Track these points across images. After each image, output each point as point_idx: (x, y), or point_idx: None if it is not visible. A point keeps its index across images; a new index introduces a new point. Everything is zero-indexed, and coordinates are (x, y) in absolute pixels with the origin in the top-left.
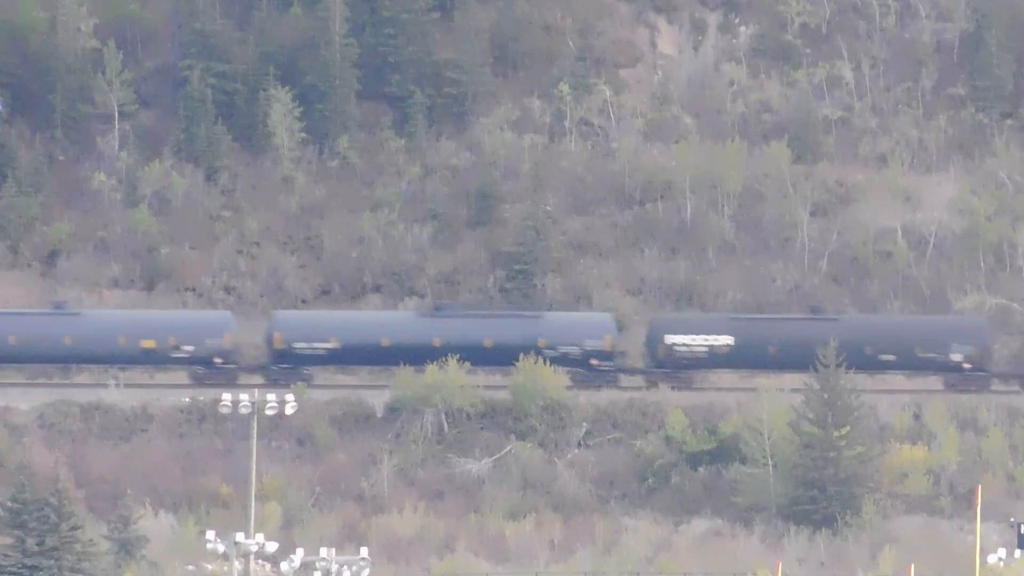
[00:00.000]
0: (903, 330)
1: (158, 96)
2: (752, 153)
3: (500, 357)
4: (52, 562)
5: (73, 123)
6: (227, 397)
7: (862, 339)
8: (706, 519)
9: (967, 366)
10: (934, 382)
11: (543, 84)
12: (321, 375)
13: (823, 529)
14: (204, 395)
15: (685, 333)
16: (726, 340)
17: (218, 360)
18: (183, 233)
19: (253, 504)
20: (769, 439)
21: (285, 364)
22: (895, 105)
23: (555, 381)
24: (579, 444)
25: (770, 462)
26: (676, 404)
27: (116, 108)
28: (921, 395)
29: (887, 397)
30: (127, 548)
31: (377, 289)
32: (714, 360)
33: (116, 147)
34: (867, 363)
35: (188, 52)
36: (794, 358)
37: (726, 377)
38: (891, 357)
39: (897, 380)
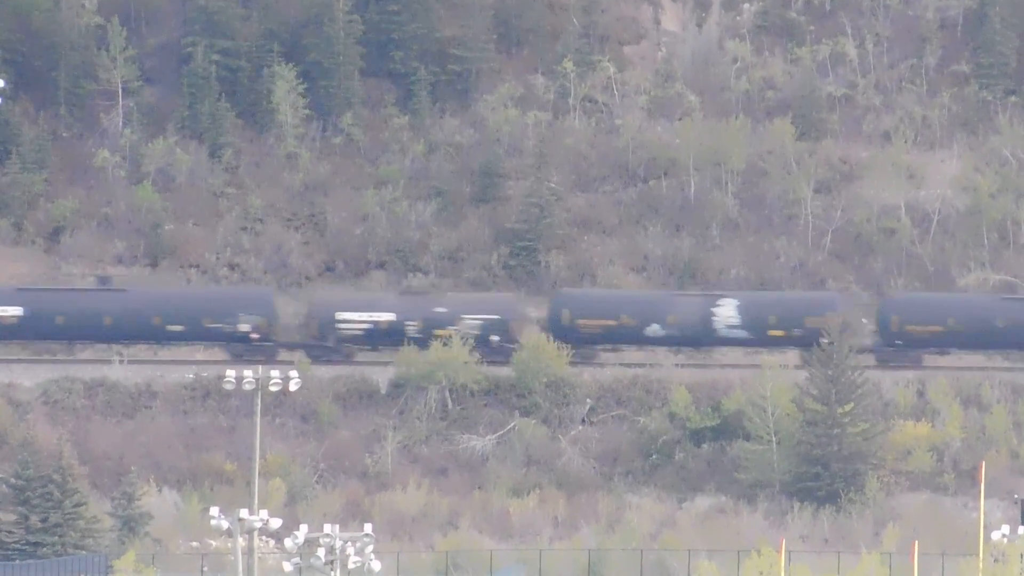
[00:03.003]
0: (190, 301)
1: (162, 73)
2: (756, 130)
3: None
4: (56, 539)
5: (77, 100)
6: (231, 374)
7: (151, 310)
8: (710, 496)
9: (255, 336)
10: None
11: (547, 61)
12: None
13: (827, 506)
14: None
15: None
16: (14, 312)
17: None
18: (187, 210)
19: (257, 481)
20: (773, 416)
21: None
22: (899, 82)
23: (559, 358)
24: (583, 421)
25: (774, 439)
26: (680, 381)
27: (120, 85)
28: (926, 372)
29: (891, 374)
30: (131, 525)
31: (381, 266)
32: (3, 332)
33: (120, 124)
34: (157, 334)
35: (192, 29)
36: (84, 329)
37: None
38: (180, 328)
39: None
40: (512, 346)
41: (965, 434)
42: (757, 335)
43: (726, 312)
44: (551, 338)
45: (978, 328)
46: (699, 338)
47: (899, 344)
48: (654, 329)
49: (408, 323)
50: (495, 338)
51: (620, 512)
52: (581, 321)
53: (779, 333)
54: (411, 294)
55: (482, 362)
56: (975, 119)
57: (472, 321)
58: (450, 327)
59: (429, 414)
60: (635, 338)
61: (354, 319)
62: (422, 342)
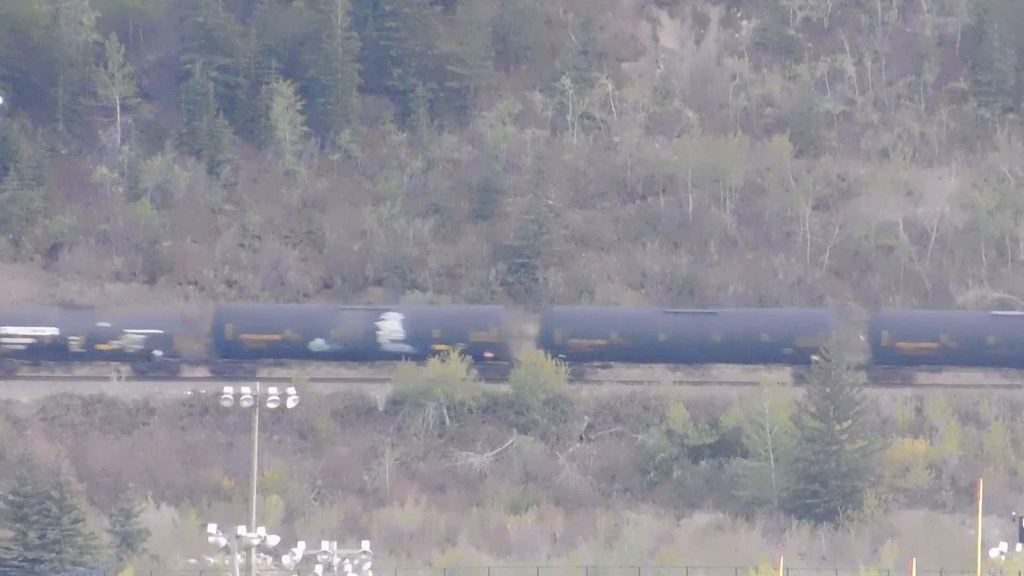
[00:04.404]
0: None
1: (160, 89)
2: (754, 147)
3: None
4: (53, 555)
5: (75, 116)
6: (229, 390)
7: None
8: (708, 513)
9: None
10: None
11: (545, 78)
12: None
13: (825, 523)
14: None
15: None
16: None
17: None
18: (185, 226)
19: (255, 497)
20: (771, 433)
21: None
22: (897, 99)
23: (557, 375)
24: (581, 437)
25: (772, 456)
26: (678, 398)
27: (118, 101)
28: (923, 389)
29: (889, 391)
30: (129, 541)
31: (379, 282)
32: None
33: (118, 140)
34: None
35: (190, 45)
36: None
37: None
38: None
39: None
40: (177, 360)
41: (963, 451)
42: (421, 349)
43: (390, 326)
44: (215, 353)
45: (642, 342)
46: (364, 352)
47: (562, 357)
48: (319, 344)
49: (71, 338)
50: (158, 352)
51: (618, 528)
52: (245, 336)
53: (443, 347)
54: (74, 309)
55: (144, 377)
56: (973, 136)
57: (135, 335)
58: (113, 341)
59: (427, 431)
60: (300, 353)
61: (16, 334)
62: (86, 357)
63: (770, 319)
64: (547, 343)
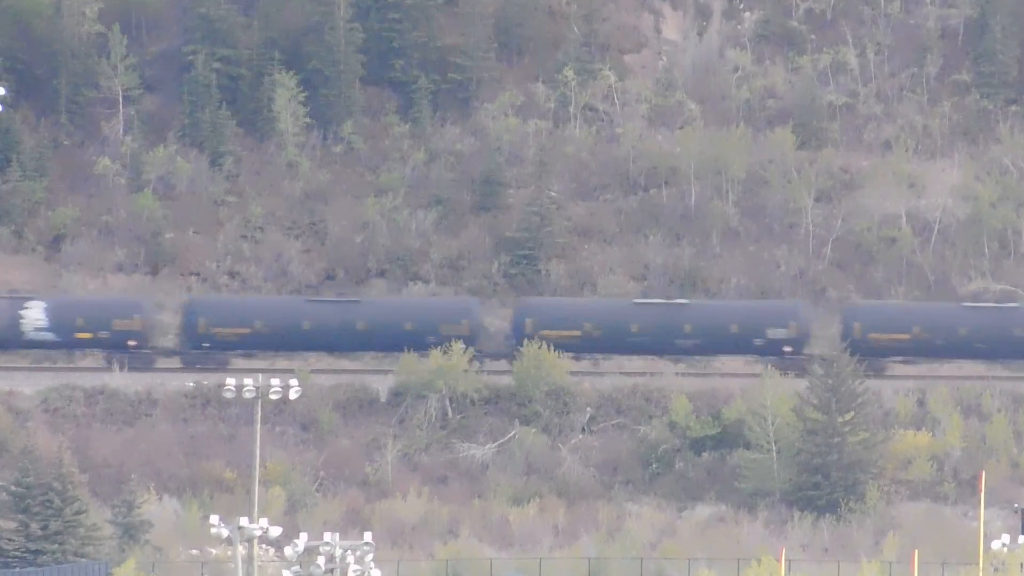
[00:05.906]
0: None
1: (162, 81)
2: (756, 139)
3: None
4: (56, 547)
5: (77, 108)
6: (231, 381)
7: None
8: (710, 505)
9: None
10: (936, 368)
11: (547, 70)
12: None
13: (827, 515)
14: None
15: None
16: None
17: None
18: (187, 218)
19: (257, 489)
20: (773, 425)
21: None
22: (900, 91)
23: (559, 366)
24: (583, 429)
25: (774, 448)
26: (680, 390)
27: (120, 93)
28: (925, 381)
29: (891, 383)
30: (131, 533)
31: (381, 274)
32: None
33: (120, 132)
34: None
35: (192, 37)
36: None
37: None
38: None
39: (900, 366)
40: None
41: (965, 443)
42: (65, 338)
43: (33, 315)
44: None
45: (287, 331)
46: (7, 341)
47: (206, 347)
48: None
49: None
50: None
51: (620, 521)
52: None
53: (87, 335)
54: None
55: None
56: (976, 128)
57: None
58: None
59: (429, 422)
60: None
61: None
62: None
63: (412, 308)
64: (190, 332)
